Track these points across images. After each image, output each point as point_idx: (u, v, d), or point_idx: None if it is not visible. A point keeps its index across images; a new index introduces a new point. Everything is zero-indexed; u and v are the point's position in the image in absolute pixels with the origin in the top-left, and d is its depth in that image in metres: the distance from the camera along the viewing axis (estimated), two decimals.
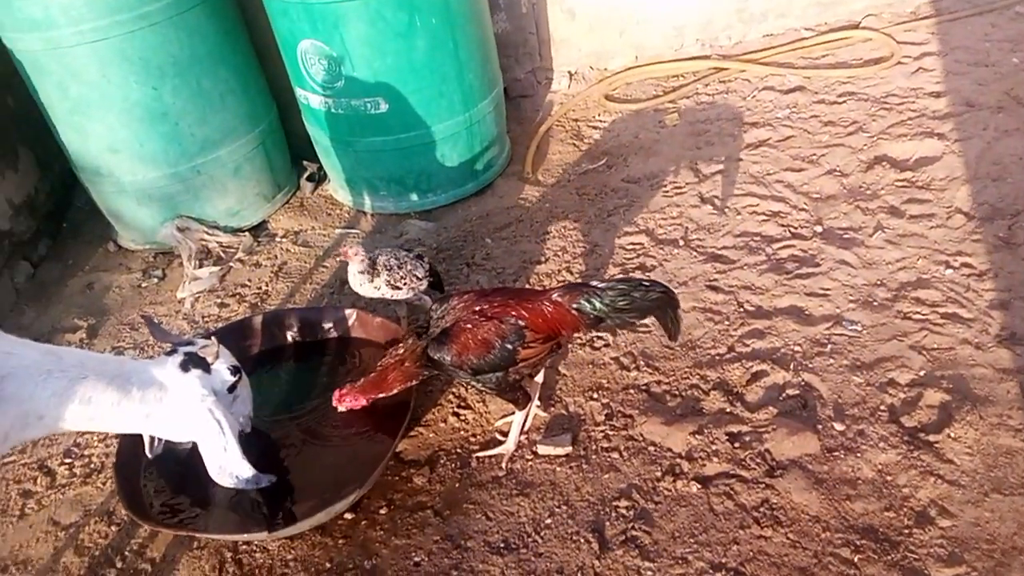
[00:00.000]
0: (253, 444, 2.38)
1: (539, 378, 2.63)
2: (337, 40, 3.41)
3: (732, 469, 2.40)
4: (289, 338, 2.94)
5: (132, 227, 3.94)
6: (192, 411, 2.13)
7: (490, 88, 3.88)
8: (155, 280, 3.80)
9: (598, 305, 2.25)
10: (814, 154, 3.80)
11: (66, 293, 3.81)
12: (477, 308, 2.28)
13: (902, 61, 4.33)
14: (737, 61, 4.64)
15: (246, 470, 2.18)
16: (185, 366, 2.17)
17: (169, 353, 2.22)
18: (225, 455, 2.15)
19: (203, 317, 3.48)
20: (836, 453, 2.40)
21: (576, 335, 2.44)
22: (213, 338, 2.22)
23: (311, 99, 3.71)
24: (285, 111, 4.17)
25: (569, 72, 4.82)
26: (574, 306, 2.27)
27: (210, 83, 3.67)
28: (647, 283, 2.27)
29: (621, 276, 2.33)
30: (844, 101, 4.16)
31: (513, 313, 2.26)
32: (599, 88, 4.67)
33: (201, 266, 3.76)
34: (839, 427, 2.47)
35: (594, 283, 2.29)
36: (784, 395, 2.61)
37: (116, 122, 3.54)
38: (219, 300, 3.57)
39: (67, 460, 2.84)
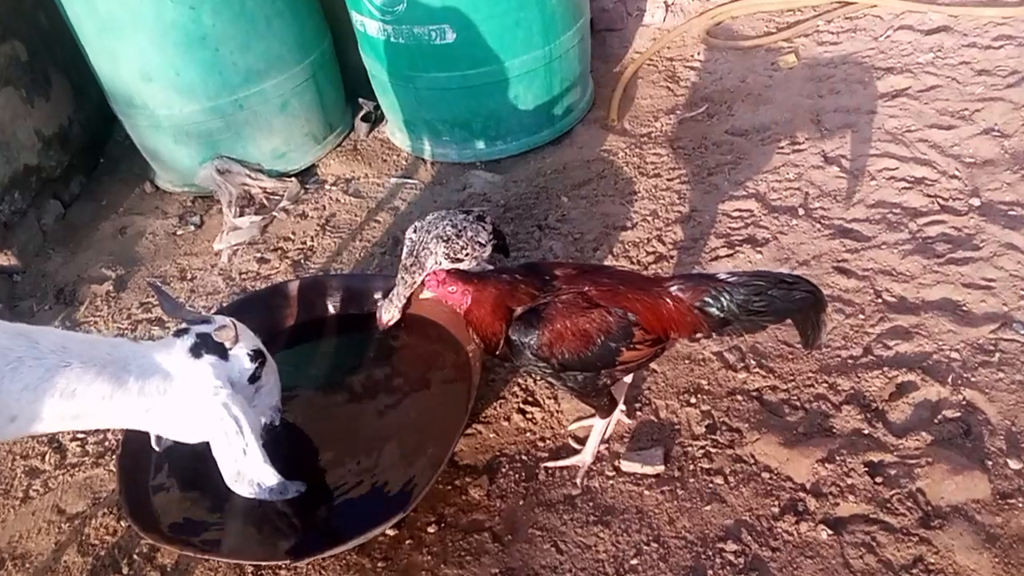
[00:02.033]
0: (281, 443, 1.98)
1: (628, 377, 2.14)
2: None
3: (874, 512, 1.89)
4: (330, 308, 2.50)
5: (169, 167, 3.55)
6: (203, 407, 1.72)
7: (575, 18, 3.30)
8: (192, 228, 3.41)
9: (727, 305, 1.74)
10: (965, 109, 3.13)
11: (97, 237, 3.46)
12: (581, 288, 1.79)
13: None
14: None
15: (270, 477, 1.77)
16: (197, 350, 1.75)
17: (178, 333, 1.80)
18: (244, 459, 1.74)
19: (240, 273, 3.08)
20: (1013, 500, 1.86)
21: (691, 338, 1.95)
22: (232, 319, 1.79)
23: (368, 25, 3.20)
24: (340, 40, 3.67)
25: (665, 3, 4.17)
26: (697, 305, 1.76)
27: (255, 4, 3.19)
28: (789, 278, 1.76)
29: (754, 271, 1.79)
30: (1001, 46, 3.44)
31: (624, 304, 1.76)
32: (699, 23, 4.02)
33: (242, 214, 3.35)
34: (1015, 465, 1.92)
35: (722, 275, 1.77)
36: (940, 417, 2.06)
37: (149, 45, 3.11)
38: (259, 254, 3.16)
39: (80, 436, 2.50)
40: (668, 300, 1.77)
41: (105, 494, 2.30)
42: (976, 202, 2.69)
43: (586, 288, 1.77)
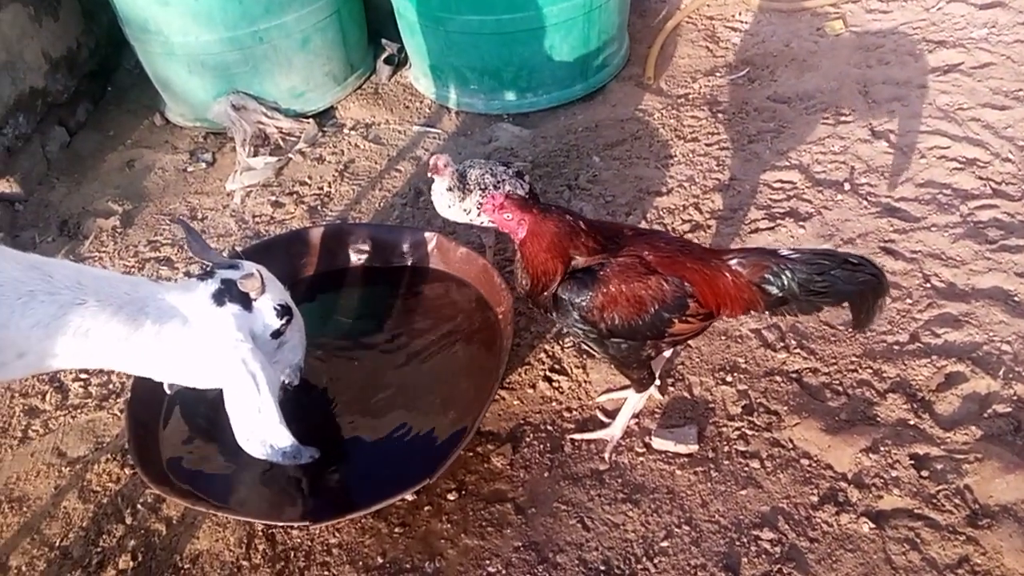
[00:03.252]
0: (300, 402, 1.87)
1: (668, 352, 2.04)
2: None
3: (919, 508, 1.80)
4: (353, 259, 2.38)
5: (182, 99, 3.38)
6: (220, 357, 1.61)
7: None
8: (203, 165, 3.26)
9: (788, 283, 1.63)
10: (1020, 89, 2.99)
11: (103, 169, 3.31)
12: (640, 252, 1.67)
13: None
14: None
15: (284, 438, 1.66)
16: (220, 297, 1.63)
17: (203, 276, 1.68)
18: (258, 418, 1.63)
19: (253, 216, 2.95)
20: None
21: (744, 315, 1.85)
22: (260, 268, 1.66)
23: None
24: None
25: None
26: (756, 281, 1.65)
27: None
28: (854, 259, 1.64)
29: (817, 249, 1.67)
30: None
31: (683, 273, 1.65)
32: None
33: (256, 154, 3.20)
34: None
35: (784, 252, 1.66)
36: (990, 411, 1.97)
37: None
38: (273, 197, 3.02)
39: (83, 375, 2.39)
40: (727, 274, 1.66)
41: (108, 439, 2.20)
42: None
43: (645, 252, 1.65)
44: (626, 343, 1.73)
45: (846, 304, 1.74)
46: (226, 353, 1.59)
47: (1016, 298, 2.24)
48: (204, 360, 1.61)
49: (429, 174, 2.17)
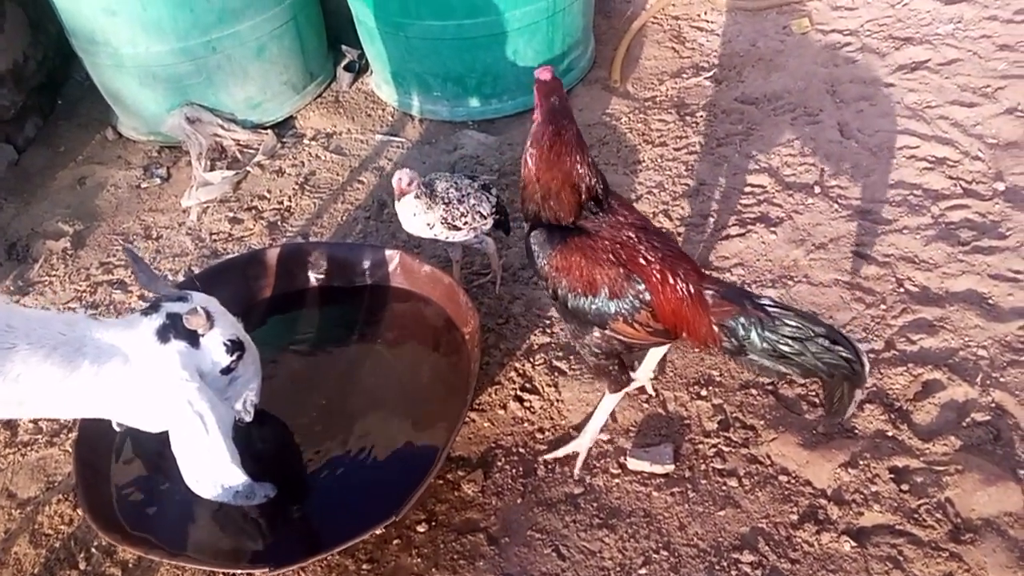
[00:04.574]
0: (257, 434, 1.78)
1: (659, 351, 1.98)
2: None
3: (900, 523, 1.76)
4: (313, 280, 2.29)
5: (134, 112, 3.26)
6: (165, 398, 1.52)
7: None
8: (157, 181, 3.14)
9: (754, 339, 1.54)
10: (988, 85, 2.97)
11: (53, 187, 3.18)
12: (629, 234, 1.65)
13: None
14: None
15: (236, 477, 1.58)
16: (164, 334, 1.54)
17: (147, 311, 1.58)
18: (208, 459, 1.54)
19: (211, 233, 2.84)
20: None
21: (697, 347, 1.80)
22: (206, 307, 1.56)
23: None
24: None
25: None
26: (720, 322, 1.57)
27: None
28: (836, 336, 1.52)
29: (803, 311, 1.57)
30: (1023, 20, 3.27)
31: (649, 281, 1.59)
32: None
33: (213, 168, 3.09)
34: None
35: (765, 301, 1.56)
36: (968, 420, 1.93)
37: None
38: (231, 213, 2.92)
39: None
40: (693, 301, 1.59)
41: (60, 477, 2.10)
42: (1000, 186, 2.55)
43: (633, 239, 1.61)
44: (587, 336, 1.71)
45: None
46: (171, 393, 1.50)
47: (990, 301, 2.21)
48: (148, 401, 1.52)
49: (396, 196, 2.08)
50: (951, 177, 2.61)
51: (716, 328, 1.57)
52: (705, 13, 3.67)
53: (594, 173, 1.69)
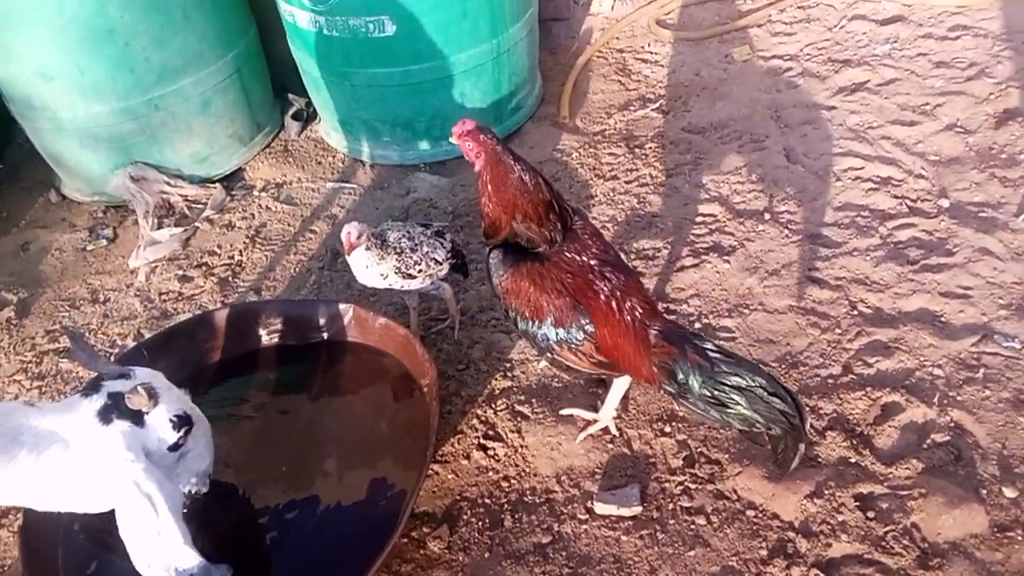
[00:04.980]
0: (211, 506, 1.72)
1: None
2: None
3: (868, 552, 1.75)
4: (265, 339, 2.24)
5: (76, 174, 3.20)
6: (110, 481, 1.46)
7: (524, 7, 3.08)
8: (104, 242, 3.07)
9: (693, 384, 1.54)
10: (926, 103, 3.04)
11: None
12: (585, 263, 1.68)
13: None
14: None
15: (189, 559, 1.51)
16: (106, 415, 1.48)
17: (87, 392, 1.52)
18: (157, 542, 1.48)
19: (160, 294, 2.78)
20: (1012, 534, 1.74)
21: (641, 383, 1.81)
22: (149, 383, 1.51)
23: (298, 16, 2.92)
24: (267, 32, 3.36)
25: None
26: (659, 363, 1.57)
27: None
28: (776, 390, 1.51)
29: (747, 360, 1.58)
30: (957, 36, 3.37)
31: (595, 314, 1.60)
32: (649, 11, 3.85)
33: (160, 226, 3.03)
34: (1010, 493, 1.81)
35: (708, 346, 1.56)
36: (929, 442, 1.94)
37: (48, 41, 2.75)
38: (181, 271, 2.86)
39: None
40: (636, 339, 1.58)
41: (10, 560, 2.01)
42: (945, 203, 2.60)
43: (582, 268, 1.63)
44: (545, 353, 1.76)
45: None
46: (116, 476, 1.44)
47: (942, 319, 2.24)
48: (92, 485, 1.46)
49: (345, 251, 2.05)
50: (896, 196, 2.65)
51: (656, 369, 1.57)
52: (649, 45, 3.72)
53: (545, 196, 1.74)
